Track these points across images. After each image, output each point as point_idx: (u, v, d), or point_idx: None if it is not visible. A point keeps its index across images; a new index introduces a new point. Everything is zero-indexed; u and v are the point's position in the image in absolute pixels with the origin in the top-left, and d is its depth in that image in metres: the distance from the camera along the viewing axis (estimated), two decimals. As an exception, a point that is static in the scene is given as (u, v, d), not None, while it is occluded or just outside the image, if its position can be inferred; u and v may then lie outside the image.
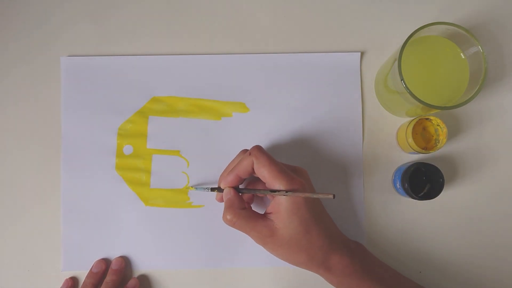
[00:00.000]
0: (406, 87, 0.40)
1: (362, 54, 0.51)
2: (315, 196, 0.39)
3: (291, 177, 0.41)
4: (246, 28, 0.51)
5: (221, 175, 0.45)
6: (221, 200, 0.46)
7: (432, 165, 0.46)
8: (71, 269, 0.49)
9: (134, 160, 0.50)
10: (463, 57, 0.44)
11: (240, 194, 0.44)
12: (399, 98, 0.44)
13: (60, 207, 0.50)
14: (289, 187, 0.40)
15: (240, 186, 0.45)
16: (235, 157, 0.46)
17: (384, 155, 0.50)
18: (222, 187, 0.44)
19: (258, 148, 0.43)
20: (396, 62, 0.41)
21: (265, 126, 0.50)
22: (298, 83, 0.50)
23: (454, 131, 0.50)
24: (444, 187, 0.46)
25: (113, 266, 0.48)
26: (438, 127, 0.46)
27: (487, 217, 0.49)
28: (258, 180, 0.45)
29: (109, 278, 0.48)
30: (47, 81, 0.51)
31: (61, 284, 0.49)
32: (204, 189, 0.47)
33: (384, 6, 0.51)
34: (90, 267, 0.49)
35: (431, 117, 0.46)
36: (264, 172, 0.41)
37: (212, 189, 0.46)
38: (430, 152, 0.46)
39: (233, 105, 0.50)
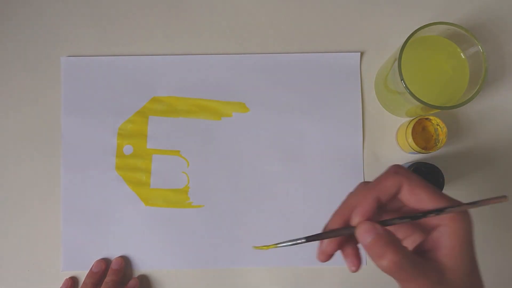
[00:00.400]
0: (406, 87, 0.40)
1: (362, 54, 0.51)
2: (485, 204, 0.30)
3: (449, 197, 0.30)
4: (246, 28, 0.51)
5: (336, 212, 0.30)
6: (326, 257, 0.30)
7: (432, 165, 0.46)
8: (71, 269, 0.49)
9: (134, 160, 0.50)
10: (463, 57, 0.44)
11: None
12: (399, 98, 0.44)
13: (60, 207, 0.50)
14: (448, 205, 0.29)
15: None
16: (351, 193, 0.32)
17: (384, 155, 0.50)
18: (354, 220, 0.29)
19: (401, 167, 0.31)
20: (396, 62, 0.41)
21: (265, 126, 0.50)
22: (298, 83, 0.50)
23: (454, 131, 0.50)
24: (444, 187, 0.46)
25: (113, 266, 0.48)
26: (438, 127, 0.46)
27: (487, 217, 0.49)
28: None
29: (109, 278, 0.48)
30: (47, 81, 0.51)
31: (61, 284, 0.49)
32: (293, 242, 0.29)
33: (384, 6, 0.51)
34: (90, 267, 0.49)
35: (431, 117, 0.46)
36: (421, 194, 0.29)
37: (311, 239, 0.28)
38: (430, 152, 0.46)
39: (233, 105, 0.50)
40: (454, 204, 0.29)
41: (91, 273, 0.48)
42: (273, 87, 0.50)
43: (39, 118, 0.51)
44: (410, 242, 0.31)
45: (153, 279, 0.49)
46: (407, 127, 0.47)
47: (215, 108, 0.50)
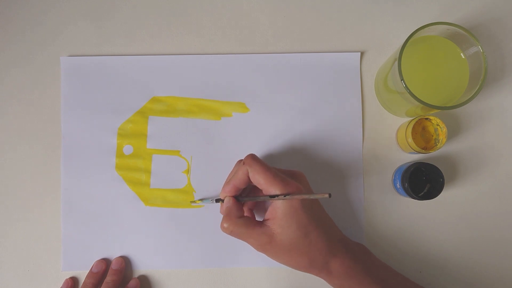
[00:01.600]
0: (406, 87, 0.40)
1: (362, 54, 0.51)
2: (311, 197, 0.39)
3: (286, 181, 0.41)
4: (246, 28, 0.51)
5: (222, 189, 0.45)
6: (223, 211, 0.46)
7: (432, 165, 0.46)
8: (71, 269, 0.49)
9: (134, 160, 0.50)
10: (463, 57, 0.44)
11: (242, 202, 0.44)
12: (399, 98, 0.44)
13: (60, 207, 0.50)
14: (285, 192, 0.40)
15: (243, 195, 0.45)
16: (233, 168, 0.46)
17: (384, 155, 0.50)
18: (221, 197, 0.45)
19: (251, 156, 0.43)
20: (396, 62, 0.41)
21: (265, 126, 0.50)
22: (298, 83, 0.50)
23: (454, 131, 0.50)
24: (444, 187, 0.46)
25: (113, 266, 0.48)
26: (438, 127, 0.46)
27: (487, 216, 0.49)
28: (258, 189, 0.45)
29: (109, 278, 0.48)
30: (47, 81, 0.51)
31: (61, 284, 0.49)
32: (210, 201, 0.47)
33: (384, 6, 0.51)
34: (90, 267, 0.49)
35: (431, 117, 0.46)
36: (259, 179, 0.41)
37: (217, 200, 0.46)
38: (430, 152, 0.46)
39: (233, 105, 0.50)
40: (282, 193, 0.40)
41: (91, 273, 0.48)
42: (273, 87, 0.50)
43: (39, 118, 0.51)
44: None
45: (153, 279, 0.49)
46: (407, 127, 0.47)
47: (215, 108, 0.50)
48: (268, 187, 0.41)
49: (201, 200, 0.49)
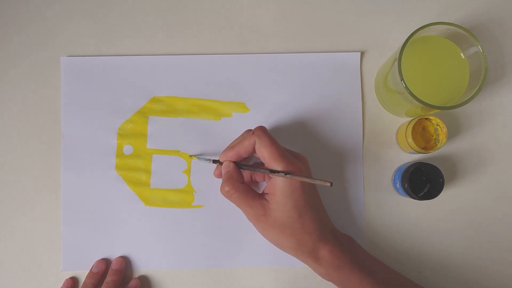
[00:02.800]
0: (406, 87, 0.40)
1: (362, 54, 0.51)
2: (312, 182, 0.39)
3: (291, 160, 0.41)
4: (246, 28, 0.51)
5: (223, 152, 0.45)
6: (219, 175, 0.47)
7: (432, 165, 0.46)
8: (71, 269, 0.49)
9: (134, 160, 0.50)
10: (463, 57, 0.44)
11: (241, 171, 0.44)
12: (399, 98, 0.44)
13: (60, 207, 0.50)
14: (287, 170, 0.40)
15: None
16: (239, 136, 0.46)
17: (384, 155, 0.50)
18: (221, 160, 0.45)
19: (262, 128, 0.43)
20: (396, 62, 0.41)
21: (265, 126, 0.50)
22: (298, 83, 0.50)
23: (454, 131, 0.50)
24: (444, 187, 0.46)
25: (113, 266, 0.48)
26: (438, 127, 0.46)
27: (487, 216, 0.49)
28: (259, 164, 0.45)
29: (109, 278, 0.48)
30: (47, 81, 0.51)
31: (61, 284, 0.49)
32: (206, 160, 0.48)
33: (384, 6, 0.51)
34: (90, 267, 0.49)
35: (431, 117, 0.46)
36: (264, 153, 0.41)
37: (214, 161, 0.46)
38: (430, 152, 0.46)
39: (233, 105, 0.50)
40: (283, 170, 0.40)
41: (91, 273, 0.48)
42: (273, 87, 0.50)
43: (39, 118, 0.51)
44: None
45: (153, 279, 0.49)
46: (407, 127, 0.47)
47: (215, 108, 0.50)
48: (271, 162, 0.41)
49: (198, 157, 0.49)
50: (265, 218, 0.41)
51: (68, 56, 0.51)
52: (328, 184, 0.38)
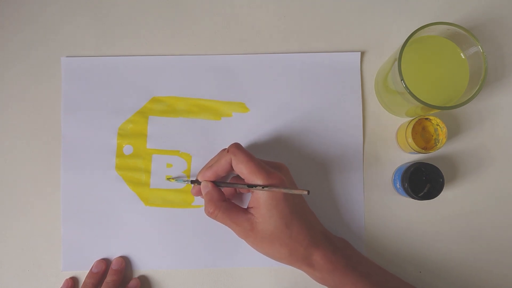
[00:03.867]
0: (406, 87, 0.40)
1: (362, 54, 0.51)
2: (290, 192, 0.39)
3: (269, 172, 0.41)
4: (246, 28, 0.51)
5: (200, 171, 0.45)
6: (197, 194, 0.47)
7: (432, 165, 0.46)
8: (71, 269, 0.49)
9: (134, 160, 0.50)
10: (463, 57, 0.44)
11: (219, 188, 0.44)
12: (399, 98, 0.44)
13: (60, 207, 0.50)
14: (267, 182, 0.40)
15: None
16: (215, 156, 0.46)
17: (384, 155, 0.50)
18: (200, 179, 0.44)
19: (236, 145, 0.43)
20: (396, 62, 0.41)
21: (265, 126, 0.50)
22: (298, 83, 0.50)
23: (454, 131, 0.50)
24: (444, 187, 0.46)
25: (113, 266, 0.48)
26: (438, 127, 0.46)
27: (487, 216, 0.49)
28: (240, 178, 0.45)
29: (109, 278, 0.48)
30: (47, 81, 0.51)
31: (61, 284, 0.49)
32: (184, 181, 0.48)
33: (384, 6, 0.51)
34: (90, 267, 0.49)
35: (431, 117, 0.46)
36: (242, 168, 0.41)
37: (192, 182, 0.46)
38: (430, 152, 0.46)
39: (233, 105, 0.50)
40: (265, 183, 0.40)
41: (91, 273, 0.48)
42: (273, 87, 0.50)
43: (39, 118, 0.51)
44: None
45: (153, 279, 0.49)
46: (407, 127, 0.47)
47: (215, 108, 0.50)
48: (250, 177, 0.41)
49: (175, 179, 0.49)
50: (253, 232, 0.41)
51: (68, 56, 0.51)
52: (305, 192, 0.37)
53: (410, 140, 0.46)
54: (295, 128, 0.50)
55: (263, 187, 0.40)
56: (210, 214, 0.42)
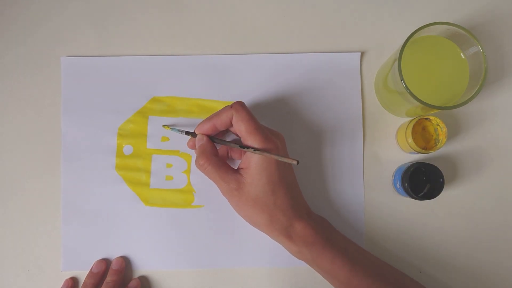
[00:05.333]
0: (406, 87, 0.40)
1: (362, 54, 0.51)
2: (280, 159, 0.40)
3: (267, 136, 0.41)
4: (246, 28, 0.51)
5: (199, 124, 0.45)
6: (192, 147, 0.47)
7: (432, 165, 0.46)
8: (71, 269, 0.49)
9: (134, 160, 0.50)
10: (463, 57, 0.44)
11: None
12: (399, 98, 0.44)
13: (60, 207, 0.50)
14: (263, 145, 0.41)
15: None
16: (218, 111, 0.45)
17: (384, 155, 0.50)
18: (196, 132, 0.45)
19: (240, 103, 0.43)
20: (396, 62, 0.41)
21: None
22: (298, 83, 0.50)
23: (454, 131, 0.50)
24: (444, 187, 0.46)
25: (114, 266, 0.48)
26: (438, 127, 0.46)
27: (487, 216, 0.49)
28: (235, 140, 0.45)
29: (109, 278, 0.48)
30: (47, 81, 0.51)
31: (61, 284, 0.49)
32: (179, 131, 0.47)
33: (384, 6, 0.51)
34: (90, 267, 0.49)
35: (431, 117, 0.46)
36: (241, 126, 0.41)
37: (187, 133, 0.46)
38: (430, 152, 0.46)
39: (233, 105, 0.50)
40: (260, 146, 0.40)
41: (91, 273, 0.48)
42: (273, 87, 0.50)
43: (39, 118, 0.51)
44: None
45: (153, 279, 0.49)
46: (407, 127, 0.47)
47: (215, 108, 0.50)
48: (248, 136, 0.41)
49: (171, 127, 0.48)
50: (238, 192, 0.41)
51: (68, 56, 0.51)
52: (295, 162, 0.38)
53: (410, 140, 0.46)
54: (295, 128, 0.50)
55: (254, 150, 0.40)
56: (200, 166, 0.42)
